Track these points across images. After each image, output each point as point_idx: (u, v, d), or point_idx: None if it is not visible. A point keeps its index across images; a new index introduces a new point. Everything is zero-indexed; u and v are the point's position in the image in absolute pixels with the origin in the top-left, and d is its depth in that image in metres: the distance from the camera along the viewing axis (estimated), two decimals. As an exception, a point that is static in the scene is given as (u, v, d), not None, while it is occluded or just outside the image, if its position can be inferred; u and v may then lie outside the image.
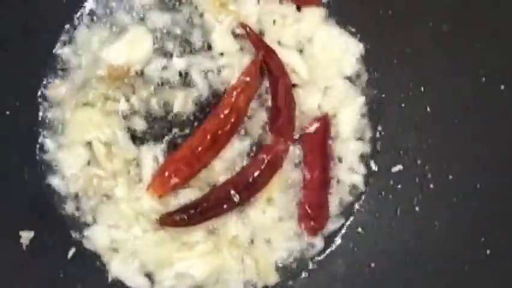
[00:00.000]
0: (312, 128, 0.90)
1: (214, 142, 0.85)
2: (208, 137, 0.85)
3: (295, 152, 0.90)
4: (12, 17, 0.84)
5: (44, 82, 0.88)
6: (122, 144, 0.87)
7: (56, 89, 0.88)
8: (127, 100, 0.88)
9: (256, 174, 0.85)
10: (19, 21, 0.84)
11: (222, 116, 0.85)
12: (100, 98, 0.88)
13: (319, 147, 0.90)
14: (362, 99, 0.92)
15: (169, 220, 0.85)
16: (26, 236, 0.82)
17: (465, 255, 0.82)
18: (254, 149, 0.89)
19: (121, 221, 0.86)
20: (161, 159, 0.87)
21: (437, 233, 0.85)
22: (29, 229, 0.83)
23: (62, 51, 0.89)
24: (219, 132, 0.85)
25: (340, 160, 0.91)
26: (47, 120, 0.88)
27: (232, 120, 0.86)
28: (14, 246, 0.81)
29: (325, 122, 0.90)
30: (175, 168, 0.85)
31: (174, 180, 0.84)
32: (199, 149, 0.85)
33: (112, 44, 0.88)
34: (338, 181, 0.91)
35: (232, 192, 0.85)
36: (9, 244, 0.81)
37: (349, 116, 0.92)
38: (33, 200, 0.86)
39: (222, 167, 0.88)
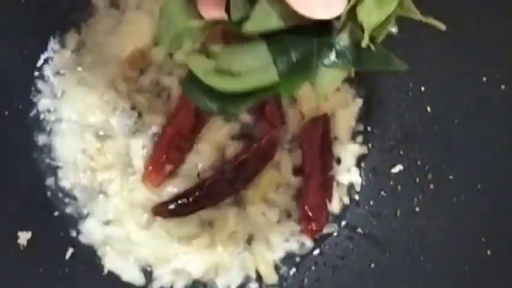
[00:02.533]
0: (310, 129, 0.90)
1: (197, 118, 0.85)
2: (192, 113, 0.85)
3: (294, 153, 0.90)
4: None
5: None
6: (115, 132, 0.87)
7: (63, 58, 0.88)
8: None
9: (248, 162, 0.85)
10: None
11: None
12: (103, 81, 0.88)
13: (318, 147, 0.89)
14: (360, 99, 0.92)
15: (162, 210, 0.85)
16: (23, 237, 0.82)
17: (465, 256, 0.82)
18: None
19: (115, 216, 0.86)
20: (149, 148, 0.87)
21: (437, 233, 0.85)
22: (27, 230, 0.82)
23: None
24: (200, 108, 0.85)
25: (338, 161, 0.91)
26: (41, 107, 0.88)
27: None
28: (12, 247, 0.81)
29: (324, 122, 0.90)
30: (166, 154, 0.84)
31: (168, 167, 0.85)
32: (184, 129, 0.85)
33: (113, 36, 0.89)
34: (337, 182, 0.91)
35: (225, 181, 0.85)
36: (7, 244, 0.81)
37: (347, 116, 0.92)
38: (31, 200, 0.86)
39: (211, 152, 0.88)
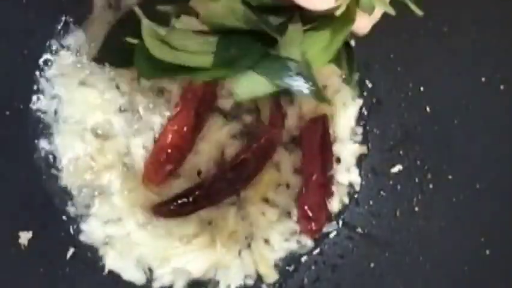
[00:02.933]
0: (310, 129, 0.90)
1: (197, 118, 0.85)
2: (193, 113, 0.85)
3: (294, 153, 0.90)
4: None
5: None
6: (116, 132, 0.87)
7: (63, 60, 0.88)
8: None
9: (248, 162, 0.85)
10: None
11: (199, 89, 0.85)
12: (104, 81, 0.88)
13: (318, 148, 0.89)
14: (360, 99, 0.92)
15: (162, 210, 0.85)
16: (24, 236, 0.82)
17: (465, 256, 0.82)
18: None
19: (115, 215, 0.86)
20: (149, 148, 0.87)
21: (437, 233, 0.85)
22: (28, 229, 0.82)
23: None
24: (200, 108, 0.85)
25: (338, 161, 0.91)
26: (42, 107, 0.88)
27: (210, 91, 0.86)
28: (13, 247, 0.81)
29: (324, 122, 0.90)
30: (166, 154, 0.84)
31: (168, 167, 0.85)
32: (185, 129, 0.85)
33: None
34: (337, 182, 0.91)
35: (225, 181, 0.85)
36: (8, 244, 0.81)
37: (347, 116, 0.92)
38: (31, 200, 0.86)
39: (211, 151, 0.88)
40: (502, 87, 0.81)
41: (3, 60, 0.85)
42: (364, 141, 0.92)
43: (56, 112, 0.88)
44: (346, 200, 0.91)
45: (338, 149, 0.91)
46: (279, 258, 0.89)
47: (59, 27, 0.89)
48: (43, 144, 0.87)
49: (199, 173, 0.88)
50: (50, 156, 0.88)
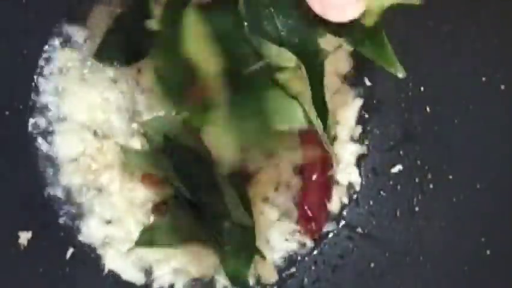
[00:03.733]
0: (310, 129, 0.89)
1: None
2: None
3: (294, 153, 0.90)
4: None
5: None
6: (116, 132, 0.87)
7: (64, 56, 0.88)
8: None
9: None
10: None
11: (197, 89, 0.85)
12: (105, 80, 0.88)
13: (318, 147, 0.89)
14: (360, 99, 0.92)
15: (162, 209, 0.85)
16: (24, 237, 0.82)
17: (465, 256, 0.82)
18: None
19: (115, 215, 0.87)
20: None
21: (437, 233, 0.85)
22: (27, 229, 0.82)
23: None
24: None
25: (338, 161, 0.91)
26: (41, 103, 0.88)
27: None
28: (13, 247, 0.81)
29: (324, 122, 0.90)
30: None
31: None
32: None
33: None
34: (337, 182, 0.91)
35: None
36: (7, 244, 0.81)
37: (347, 116, 0.92)
38: (31, 200, 0.86)
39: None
40: (502, 87, 0.81)
41: (3, 60, 0.85)
42: (364, 141, 0.92)
43: (56, 112, 0.88)
44: (346, 200, 0.91)
45: (338, 149, 0.91)
46: (279, 258, 0.89)
47: (59, 27, 0.89)
48: (43, 144, 0.88)
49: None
50: (50, 156, 0.88)
